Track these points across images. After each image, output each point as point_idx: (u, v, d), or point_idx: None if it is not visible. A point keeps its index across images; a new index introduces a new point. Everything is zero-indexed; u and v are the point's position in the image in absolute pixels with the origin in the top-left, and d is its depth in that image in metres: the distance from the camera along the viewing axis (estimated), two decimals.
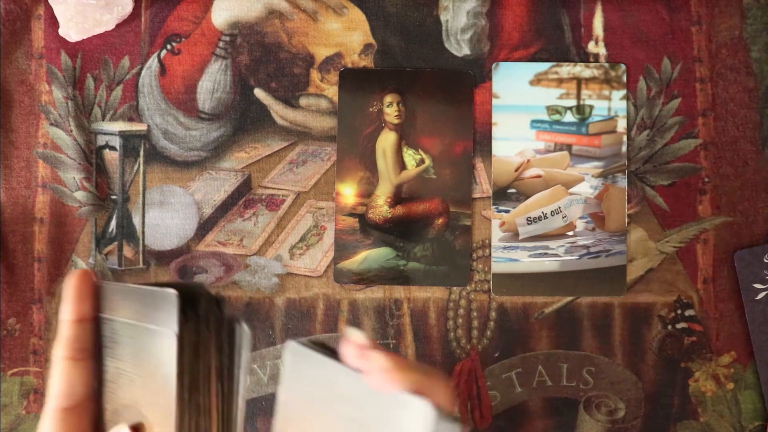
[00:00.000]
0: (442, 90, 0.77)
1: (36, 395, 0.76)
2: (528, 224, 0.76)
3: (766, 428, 0.75)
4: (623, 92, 0.77)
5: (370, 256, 0.76)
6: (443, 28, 0.78)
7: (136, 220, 0.77)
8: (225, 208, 0.77)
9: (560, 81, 0.77)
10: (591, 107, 0.77)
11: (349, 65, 0.78)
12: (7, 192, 0.77)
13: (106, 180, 0.78)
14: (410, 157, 0.77)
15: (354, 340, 0.40)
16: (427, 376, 0.39)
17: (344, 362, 0.40)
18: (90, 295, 0.46)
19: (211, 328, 0.44)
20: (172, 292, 0.42)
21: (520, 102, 0.77)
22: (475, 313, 0.76)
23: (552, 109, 0.77)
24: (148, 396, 0.43)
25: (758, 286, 0.75)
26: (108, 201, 0.77)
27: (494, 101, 0.77)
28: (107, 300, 0.46)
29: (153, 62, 0.78)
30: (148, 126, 0.78)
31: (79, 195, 0.77)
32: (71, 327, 0.46)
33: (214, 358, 0.44)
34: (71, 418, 0.45)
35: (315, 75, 0.78)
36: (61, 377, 0.45)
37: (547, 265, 0.76)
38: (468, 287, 0.76)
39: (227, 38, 0.78)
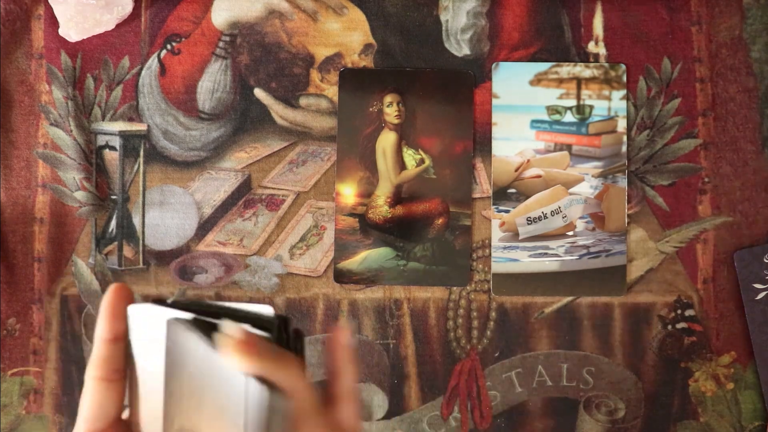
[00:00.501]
0: (442, 90, 0.77)
1: (36, 395, 0.76)
2: (528, 224, 0.76)
3: (766, 428, 0.75)
4: (623, 92, 0.77)
5: (370, 256, 0.76)
6: (443, 28, 0.78)
7: (136, 220, 0.77)
8: (225, 208, 0.77)
9: (560, 81, 0.77)
10: (591, 107, 0.77)
11: (349, 65, 0.78)
12: (7, 192, 0.77)
13: (106, 180, 0.78)
14: (410, 157, 0.77)
15: (228, 333, 0.40)
16: (278, 362, 0.41)
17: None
18: (126, 313, 0.44)
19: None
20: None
21: (520, 102, 0.77)
22: (475, 313, 0.76)
23: (552, 109, 0.77)
24: (213, 428, 0.42)
25: (758, 286, 0.74)
26: (108, 201, 0.77)
27: (494, 101, 0.77)
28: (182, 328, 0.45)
29: (153, 62, 0.78)
30: (148, 126, 0.78)
31: (79, 195, 0.77)
32: (106, 346, 0.43)
33: None
34: None
35: (315, 75, 0.78)
36: (92, 398, 0.43)
37: (547, 265, 0.76)
38: (468, 287, 0.76)
39: (227, 38, 0.78)
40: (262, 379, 0.40)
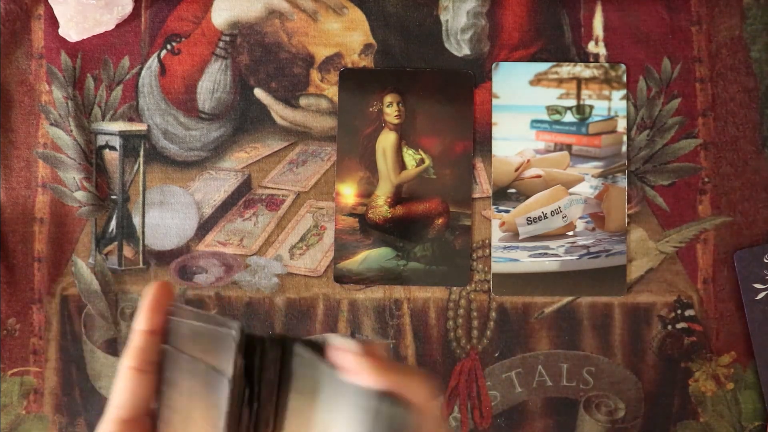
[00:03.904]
0: (442, 90, 0.77)
1: (36, 395, 0.76)
2: (528, 224, 0.76)
3: (766, 428, 0.75)
4: (623, 92, 0.77)
5: (370, 256, 0.76)
6: (443, 28, 0.78)
7: (136, 220, 0.77)
8: (225, 208, 0.77)
9: (560, 81, 0.77)
10: (591, 107, 0.77)
11: (349, 65, 0.78)
12: (7, 192, 0.77)
13: (106, 180, 0.78)
14: (410, 157, 0.77)
15: (343, 347, 0.40)
16: (406, 375, 0.40)
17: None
18: (166, 309, 0.45)
19: (267, 373, 0.42)
20: (230, 333, 0.41)
21: (520, 102, 0.77)
22: (475, 313, 0.76)
23: (552, 109, 0.77)
24: None
25: (758, 286, 0.75)
26: (108, 201, 0.77)
27: (494, 101, 0.77)
28: (173, 328, 0.45)
29: (153, 62, 0.78)
30: (148, 126, 0.78)
31: (79, 195, 0.77)
32: (143, 337, 0.44)
33: (265, 406, 0.42)
34: (130, 429, 0.44)
35: (315, 75, 0.78)
36: (125, 387, 0.44)
37: (547, 265, 0.76)
38: (468, 287, 0.76)
39: (227, 38, 0.78)
40: (388, 394, 0.38)
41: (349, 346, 0.40)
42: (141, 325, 0.44)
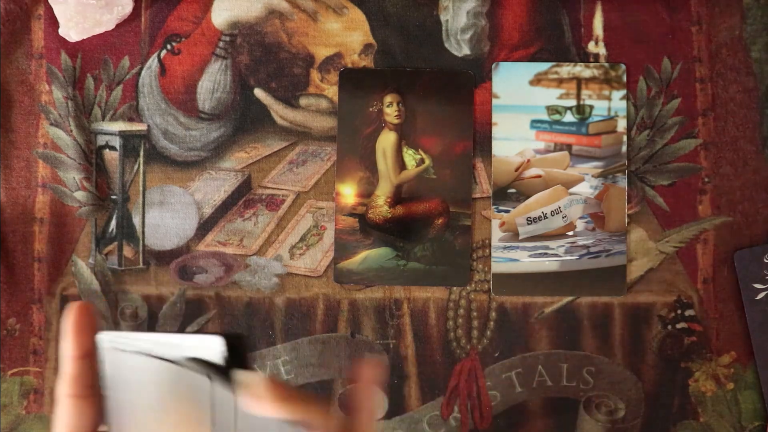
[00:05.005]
0: (442, 90, 0.77)
1: (36, 395, 0.76)
2: (528, 224, 0.76)
3: (766, 428, 0.75)
4: (623, 92, 0.77)
5: (370, 256, 0.76)
6: (443, 28, 0.78)
7: (136, 220, 0.77)
8: (225, 208, 0.77)
9: (560, 81, 0.77)
10: (591, 107, 0.77)
11: (349, 65, 0.78)
12: (7, 192, 0.77)
13: (106, 180, 0.78)
14: (410, 157, 0.77)
15: (255, 386, 0.40)
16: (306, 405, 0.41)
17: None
18: (92, 328, 0.44)
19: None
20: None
21: (520, 102, 0.77)
22: (475, 313, 0.76)
23: (552, 109, 0.77)
24: None
25: (758, 286, 0.75)
26: (108, 201, 0.77)
27: (494, 101, 0.77)
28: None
29: (153, 62, 0.78)
30: (148, 126, 0.78)
31: (79, 195, 0.77)
32: (75, 364, 0.43)
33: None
34: None
35: (315, 75, 0.78)
36: (67, 416, 0.43)
37: (547, 265, 0.76)
38: (468, 287, 0.76)
39: (227, 38, 0.78)
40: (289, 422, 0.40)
41: (254, 380, 0.40)
42: (69, 351, 0.43)
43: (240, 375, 0.40)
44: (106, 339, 0.44)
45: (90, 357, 0.44)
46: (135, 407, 0.43)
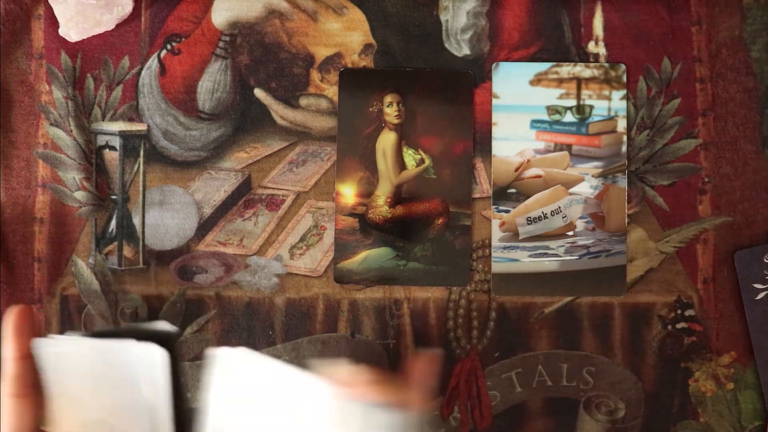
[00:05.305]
0: (442, 90, 0.77)
1: None
2: (528, 224, 0.76)
3: (766, 428, 0.75)
4: (623, 92, 0.77)
5: (370, 256, 0.76)
6: (443, 28, 0.78)
7: (136, 220, 0.77)
8: (225, 208, 0.77)
9: (560, 81, 0.77)
10: (591, 107, 0.77)
11: (349, 65, 0.78)
12: (7, 192, 0.77)
13: (106, 180, 0.78)
14: (410, 157, 0.77)
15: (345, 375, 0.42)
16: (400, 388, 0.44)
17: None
18: (31, 331, 0.45)
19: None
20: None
21: (520, 102, 0.77)
22: (475, 313, 0.76)
23: (552, 109, 0.77)
24: (126, 408, 0.44)
25: (758, 286, 0.75)
26: (108, 201, 0.78)
27: (494, 101, 0.77)
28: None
29: (153, 62, 0.78)
30: (148, 126, 0.78)
31: (79, 195, 0.77)
32: (16, 364, 0.45)
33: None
34: None
35: (315, 75, 0.78)
36: (10, 416, 0.45)
37: (547, 265, 0.76)
38: (468, 287, 0.76)
39: (227, 38, 0.78)
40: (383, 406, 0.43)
41: (348, 371, 0.43)
42: (9, 352, 0.45)
43: (328, 367, 0.43)
44: (44, 342, 0.46)
45: (29, 358, 0.46)
46: (73, 393, 0.45)
